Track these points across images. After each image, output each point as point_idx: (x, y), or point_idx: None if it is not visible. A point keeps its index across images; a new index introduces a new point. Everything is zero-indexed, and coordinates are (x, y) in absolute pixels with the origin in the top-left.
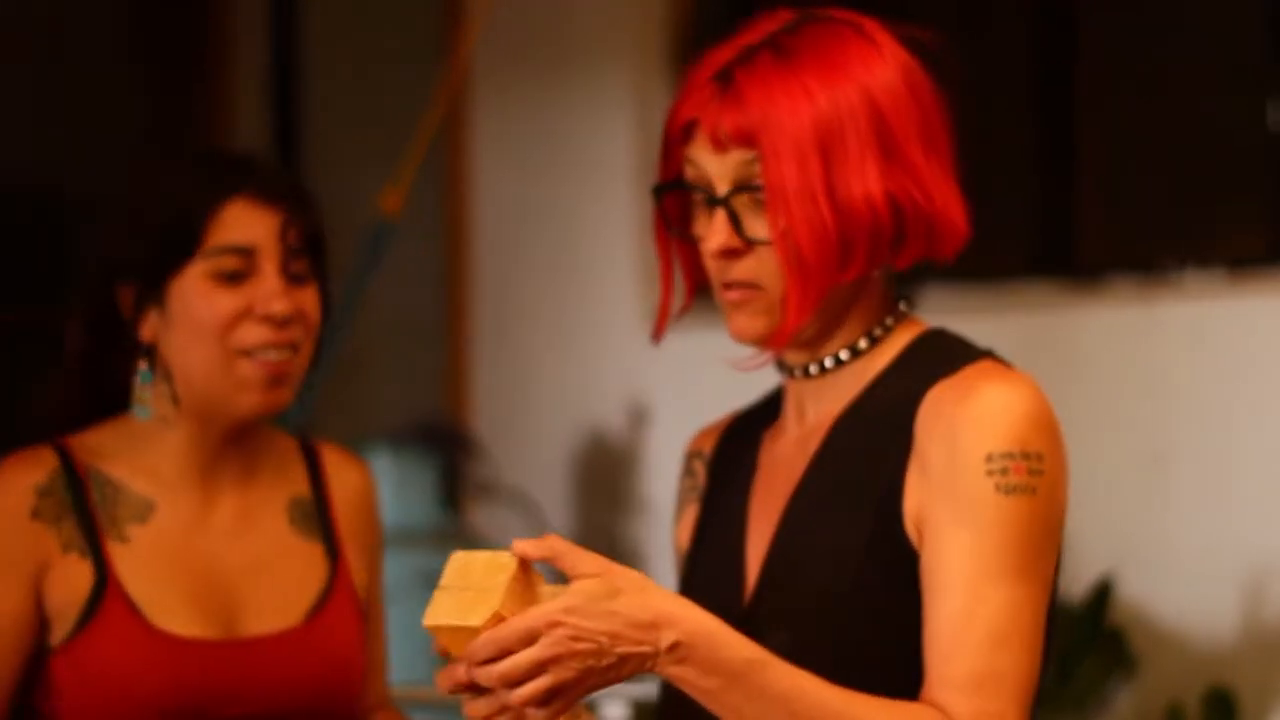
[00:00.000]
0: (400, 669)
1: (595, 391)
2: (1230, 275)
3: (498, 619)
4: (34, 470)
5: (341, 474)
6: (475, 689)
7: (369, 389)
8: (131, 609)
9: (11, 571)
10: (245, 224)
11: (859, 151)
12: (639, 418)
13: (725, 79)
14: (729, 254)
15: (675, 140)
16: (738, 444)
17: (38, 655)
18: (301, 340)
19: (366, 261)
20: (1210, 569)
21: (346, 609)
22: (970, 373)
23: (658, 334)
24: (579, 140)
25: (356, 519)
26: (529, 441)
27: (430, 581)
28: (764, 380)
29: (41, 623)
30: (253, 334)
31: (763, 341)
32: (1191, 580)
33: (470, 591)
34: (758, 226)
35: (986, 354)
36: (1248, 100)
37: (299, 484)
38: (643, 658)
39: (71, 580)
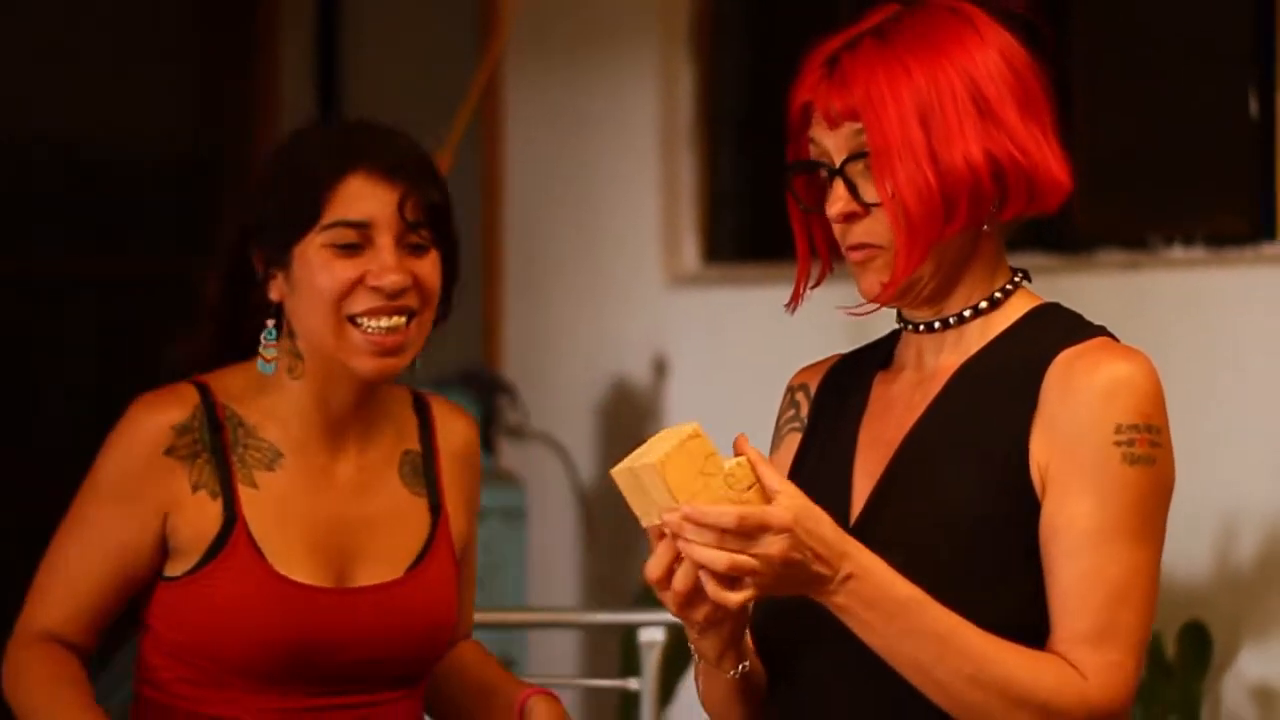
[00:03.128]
0: None
1: (619, 344)
2: (1212, 251)
3: (664, 461)
4: (175, 408)
5: (449, 425)
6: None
7: None
8: (255, 551)
9: (134, 503)
10: (363, 199)
11: (956, 118)
12: (660, 369)
13: (833, 63)
14: (848, 218)
15: (797, 125)
16: (846, 380)
17: (152, 579)
18: (417, 307)
19: None
20: (1189, 518)
21: (445, 562)
22: (1097, 345)
23: (793, 303)
24: (606, 111)
25: (460, 469)
26: (557, 389)
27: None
28: (775, 338)
29: (160, 554)
30: (363, 301)
31: (883, 297)
32: (1172, 527)
33: (653, 449)
34: (871, 191)
35: (1102, 329)
36: (1232, 89)
37: (410, 438)
38: (822, 581)
39: (201, 518)
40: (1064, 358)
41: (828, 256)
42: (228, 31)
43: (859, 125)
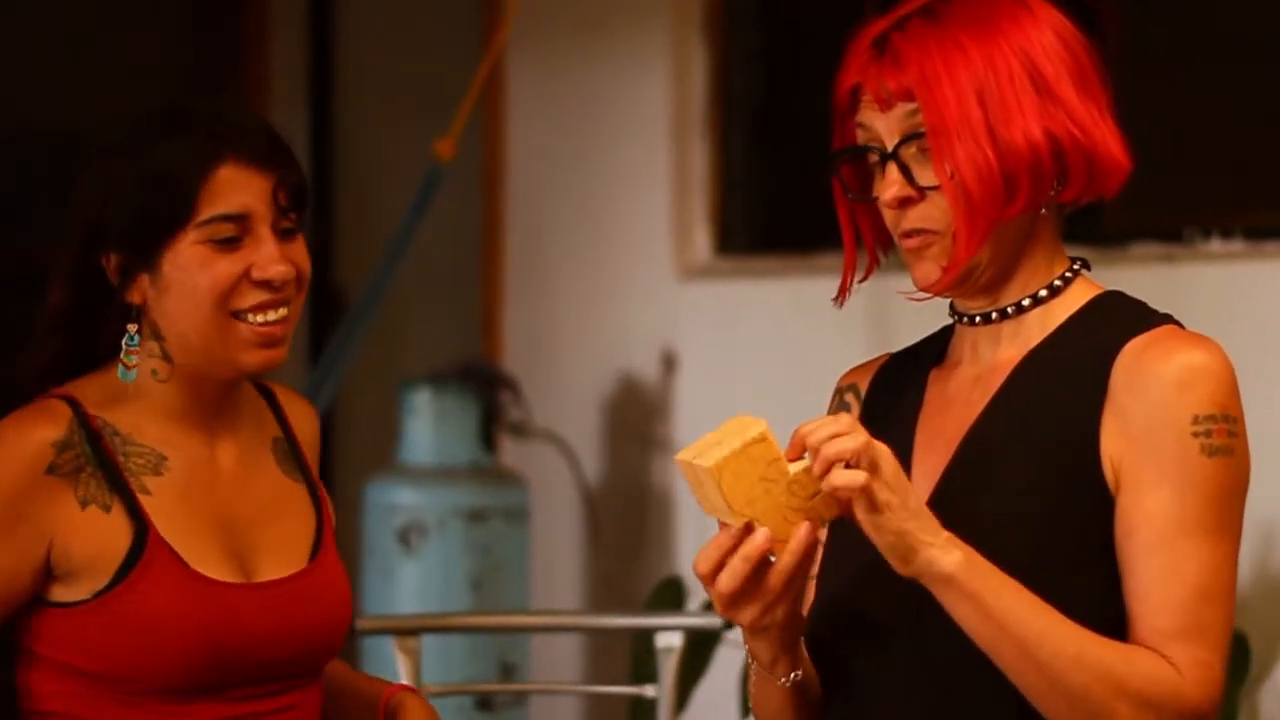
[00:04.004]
0: (439, 599)
1: (627, 338)
2: (1252, 244)
3: (720, 466)
4: (51, 424)
5: (297, 411)
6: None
7: (411, 330)
8: (175, 557)
9: (14, 529)
10: (237, 189)
11: (1015, 96)
12: (669, 365)
13: (882, 43)
14: (903, 203)
15: (844, 110)
16: (897, 380)
17: (28, 605)
18: (294, 296)
19: (418, 206)
20: None
21: (333, 549)
22: (1165, 334)
23: (841, 296)
24: (615, 97)
25: (313, 455)
26: (561, 385)
27: (469, 515)
28: (790, 332)
29: (39, 581)
30: (250, 296)
31: (941, 284)
32: None
33: (719, 443)
34: (926, 174)
35: (1168, 317)
36: (1271, 77)
37: (271, 425)
38: (927, 526)
39: (99, 535)
40: (1133, 347)
41: (874, 248)
42: (216, 9)
43: (913, 106)
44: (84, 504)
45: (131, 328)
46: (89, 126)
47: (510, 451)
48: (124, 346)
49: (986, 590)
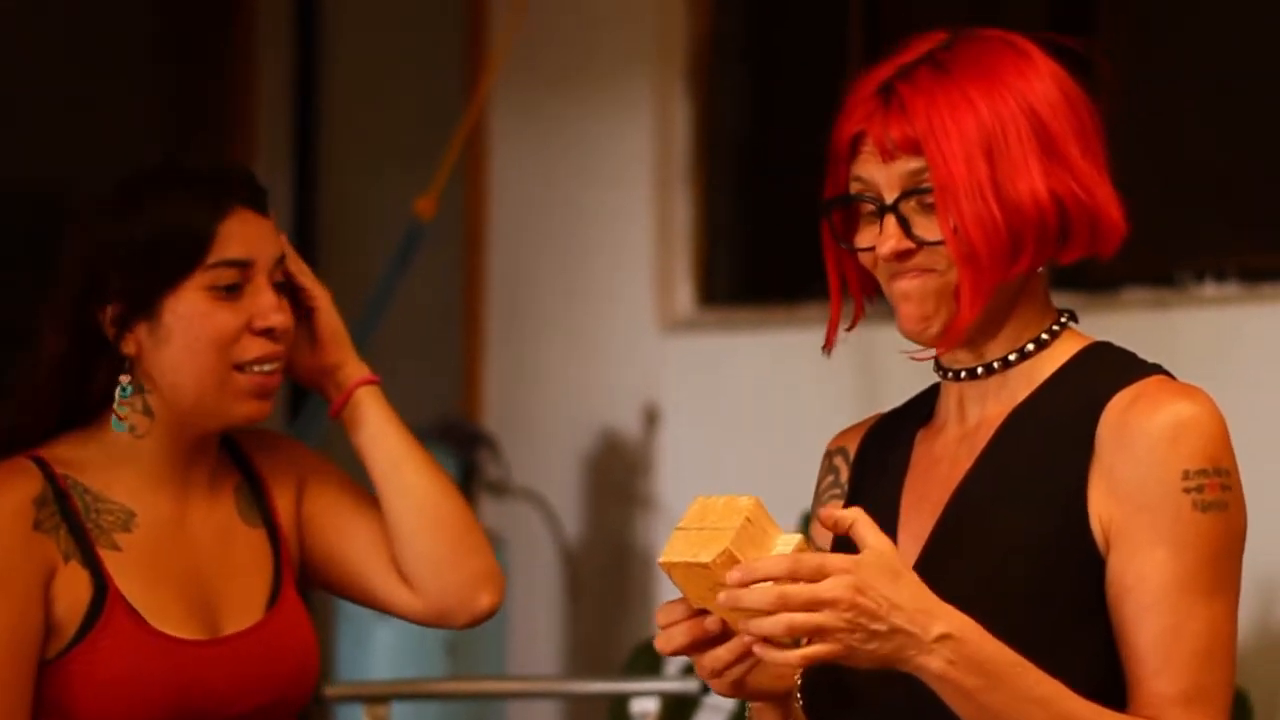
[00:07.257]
0: (414, 664)
1: (608, 393)
2: (1247, 287)
3: (728, 557)
4: (26, 481)
5: (249, 440)
6: (701, 645)
7: (389, 387)
8: (133, 614)
9: (21, 589)
10: (244, 237)
11: (1021, 153)
12: (652, 419)
13: (888, 92)
14: (901, 256)
15: (841, 156)
16: (885, 441)
17: None
18: (286, 350)
19: (398, 262)
20: None
21: (293, 592)
22: (1151, 386)
23: (828, 344)
24: (597, 147)
25: (279, 468)
26: (541, 442)
27: None
28: (775, 386)
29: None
30: (252, 348)
31: (934, 339)
32: None
33: (705, 531)
34: (925, 229)
35: (1157, 368)
36: (1266, 111)
37: (233, 471)
38: (909, 639)
39: (72, 589)
40: (1119, 401)
41: (861, 296)
42: (199, 66)
43: (918, 162)
44: (66, 558)
45: (124, 379)
46: (70, 188)
47: (489, 511)
48: (116, 398)
49: (979, 689)
